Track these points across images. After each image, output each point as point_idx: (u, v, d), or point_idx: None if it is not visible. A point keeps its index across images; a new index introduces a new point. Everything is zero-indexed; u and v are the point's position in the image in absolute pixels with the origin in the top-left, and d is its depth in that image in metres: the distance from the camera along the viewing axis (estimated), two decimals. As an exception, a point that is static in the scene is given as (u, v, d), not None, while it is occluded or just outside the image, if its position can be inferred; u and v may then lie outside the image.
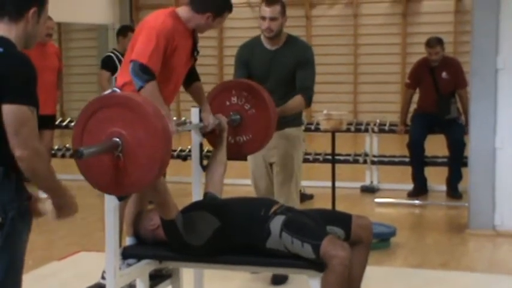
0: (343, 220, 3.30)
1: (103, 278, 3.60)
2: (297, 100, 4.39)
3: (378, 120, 7.69)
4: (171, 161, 2.96)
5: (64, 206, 2.57)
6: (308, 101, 4.42)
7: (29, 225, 2.59)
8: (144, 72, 3.45)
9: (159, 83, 3.54)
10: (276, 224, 3.15)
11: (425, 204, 6.94)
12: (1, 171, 2.47)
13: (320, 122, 5.53)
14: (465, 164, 6.48)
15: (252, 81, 4.05)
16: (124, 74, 3.65)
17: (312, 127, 7.64)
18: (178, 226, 3.17)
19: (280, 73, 4.44)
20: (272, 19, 4.36)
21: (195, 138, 3.71)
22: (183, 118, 3.75)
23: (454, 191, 7.08)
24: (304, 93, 4.41)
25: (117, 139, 2.78)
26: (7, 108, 2.40)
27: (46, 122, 6.18)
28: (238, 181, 7.17)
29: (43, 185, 2.49)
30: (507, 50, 5.60)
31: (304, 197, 7.00)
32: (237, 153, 3.84)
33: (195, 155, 3.72)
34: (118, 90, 3.56)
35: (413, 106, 7.38)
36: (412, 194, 7.12)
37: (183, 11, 3.65)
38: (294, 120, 4.55)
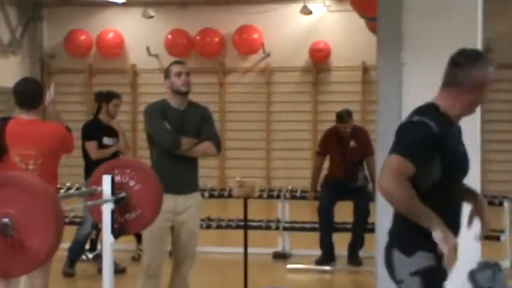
0: None
1: None
2: (206, 144, 4.70)
3: (290, 187, 7.83)
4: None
5: None
6: (218, 148, 4.75)
7: None
8: None
9: None
10: None
11: (336, 270, 7.04)
12: None
13: (233, 189, 5.60)
14: (372, 230, 6.64)
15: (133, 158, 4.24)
16: None
17: (225, 193, 7.70)
18: None
19: (193, 130, 4.71)
20: (187, 74, 4.68)
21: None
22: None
23: (354, 257, 7.11)
24: (213, 139, 4.74)
25: (6, 219, 2.69)
26: None
27: None
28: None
29: None
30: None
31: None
32: (128, 230, 3.89)
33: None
34: None
35: (324, 172, 7.56)
36: (319, 262, 7.12)
37: None
38: (196, 184, 4.82)
